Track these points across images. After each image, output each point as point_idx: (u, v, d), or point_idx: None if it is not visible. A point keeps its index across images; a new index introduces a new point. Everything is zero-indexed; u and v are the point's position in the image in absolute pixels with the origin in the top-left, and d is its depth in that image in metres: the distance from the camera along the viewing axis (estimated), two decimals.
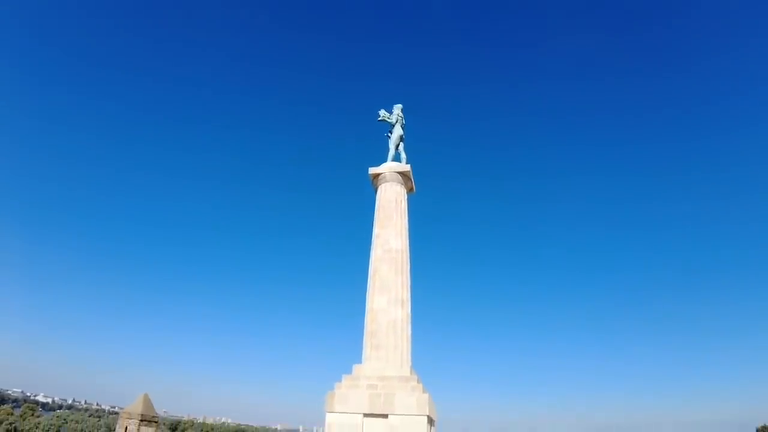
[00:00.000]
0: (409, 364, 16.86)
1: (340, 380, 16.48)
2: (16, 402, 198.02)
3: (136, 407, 26.74)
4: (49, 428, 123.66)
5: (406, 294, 17.82)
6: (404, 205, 19.73)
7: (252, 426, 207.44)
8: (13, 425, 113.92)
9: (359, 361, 17.24)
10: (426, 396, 15.28)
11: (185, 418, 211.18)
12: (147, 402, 27.14)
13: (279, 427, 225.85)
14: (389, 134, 21.32)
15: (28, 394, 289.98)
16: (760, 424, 48.63)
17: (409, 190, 20.61)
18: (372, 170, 20.31)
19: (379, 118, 21.43)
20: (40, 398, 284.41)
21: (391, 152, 20.86)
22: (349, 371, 16.81)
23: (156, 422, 27.52)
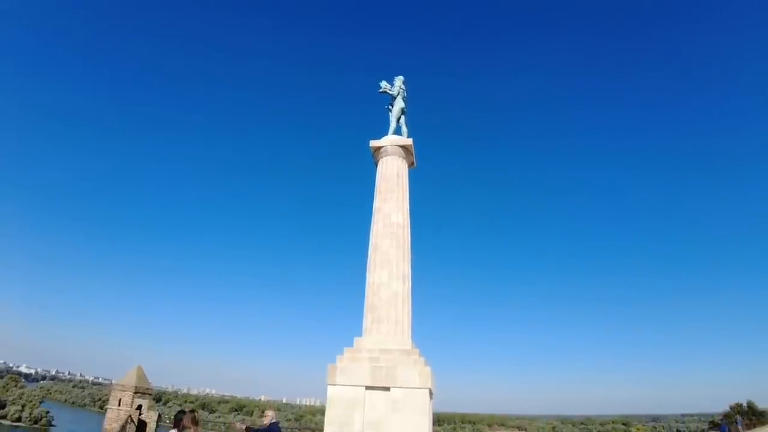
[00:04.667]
0: (410, 337, 17.09)
1: (341, 353, 16.64)
2: None
3: (130, 379, 26.71)
4: (33, 399, 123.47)
5: (407, 269, 17.91)
6: (405, 179, 19.60)
7: (236, 397, 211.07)
8: None
9: (359, 335, 17.39)
10: (428, 369, 15.55)
11: (169, 389, 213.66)
12: (141, 374, 27.12)
13: (262, 398, 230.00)
14: (390, 107, 20.97)
15: (11, 365, 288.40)
16: (732, 402, 51.03)
17: (411, 165, 20.46)
18: (373, 143, 20.06)
19: (380, 90, 21.02)
20: (23, 369, 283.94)
21: (392, 125, 20.57)
22: (350, 344, 16.98)
23: (150, 394, 27.61)
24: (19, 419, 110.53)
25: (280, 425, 11.67)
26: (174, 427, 9.11)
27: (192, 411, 8.36)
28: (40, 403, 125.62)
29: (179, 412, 10.24)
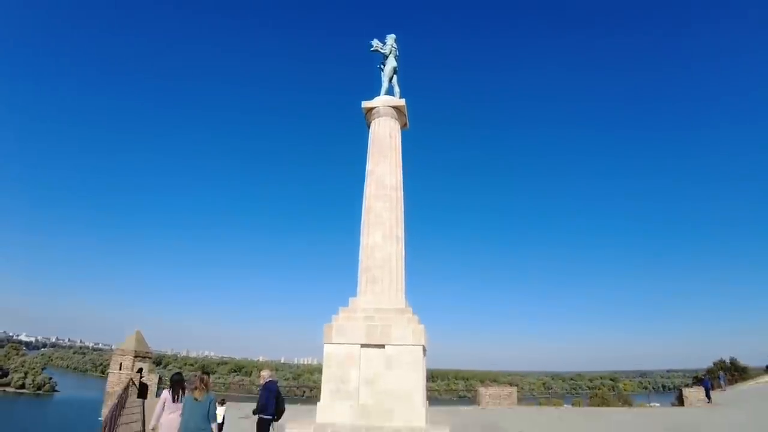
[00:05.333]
0: (404, 297, 17.38)
1: (336, 313, 16.92)
2: None
3: (129, 344, 27.17)
4: (36, 366, 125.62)
5: (400, 230, 18.00)
6: (398, 140, 19.41)
7: (234, 358, 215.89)
8: None
9: (353, 295, 17.63)
10: (421, 327, 15.90)
11: (169, 353, 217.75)
12: (140, 338, 27.58)
13: (261, 359, 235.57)
14: (382, 66, 20.49)
15: (11, 334, 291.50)
16: (717, 359, 52.65)
17: (403, 126, 20.22)
18: (365, 104, 19.73)
19: (372, 49, 20.47)
20: (23, 338, 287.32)
21: (384, 85, 20.16)
22: (345, 304, 17.24)
23: (150, 357, 28.16)
24: (22, 386, 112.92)
25: (277, 384, 11.96)
26: (170, 388, 9.29)
27: (205, 373, 8.57)
28: (43, 369, 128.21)
29: (176, 374, 10.47)
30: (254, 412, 11.08)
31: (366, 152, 19.23)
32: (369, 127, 19.85)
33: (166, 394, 9.08)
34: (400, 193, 18.60)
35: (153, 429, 9.05)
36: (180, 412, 8.75)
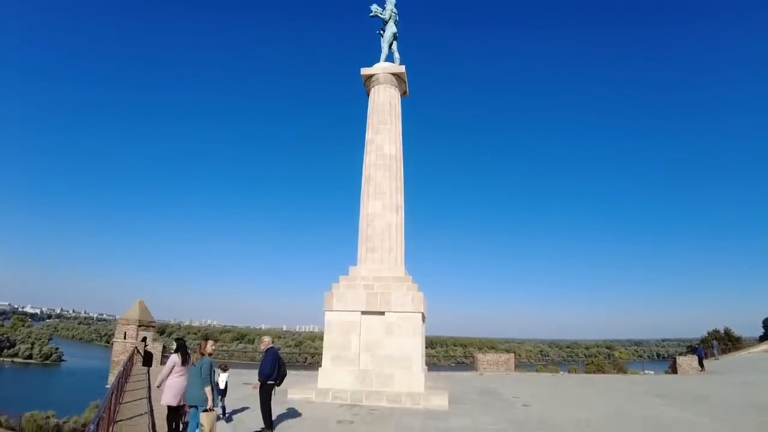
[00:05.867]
0: (403, 265, 17.54)
1: (337, 281, 17.10)
2: (4, 314, 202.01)
3: (133, 314, 27.51)
4: (42, 337, 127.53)
5: (400, 199, 18.00)
6: (398, 109, 19.19)
7: (237, 327, 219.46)
8: (5, 336, 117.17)
9: (354, 264, 17.79)
10: (420, 295, 16.10)
11: (172, 322, 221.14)
12: (143, 308, 27.91)
13: (263, 327, 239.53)
14: (381, 32, 20.04)
15: (16, 306, 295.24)
16: (711, 329, 53.33)
17: (403, 94, 19.95)
18: (364, 71, 19.39)
19: (371, 14, 19.98)
20: (28, 310, 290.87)
21: (384, 52, 19.77)
22: (345, 273, 17.41)
23: (153, 326, 28.55)
24: (30, 356, 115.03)
25: (279, 350, 12.17)
26: (176, 352, 9.45)
27: (206, 339, 8.70)
28: (49, 340, 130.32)
29: (179, 339, 10.64)
30: (259, 378, 11.30)
31: (366, 120, 19.05)
32: (368, 95, 19.58)
33: (175, 358, 9.27)
34: (400, 163, 18.51)
35: (158, 386, 9.28)
36: (185, 375, 8.96)
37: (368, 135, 18.63)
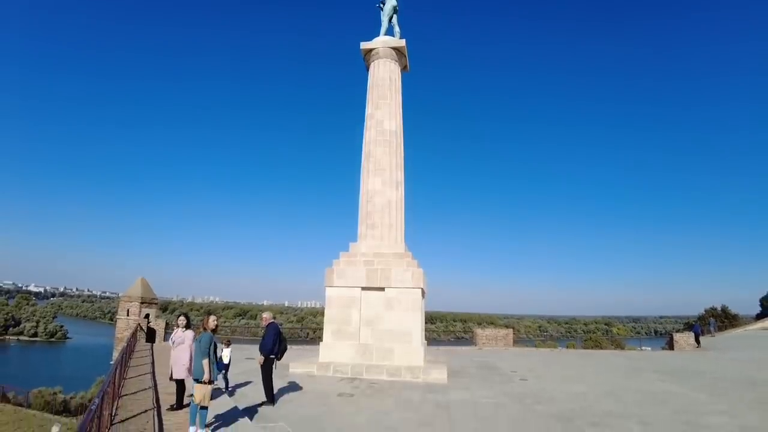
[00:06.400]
0: (403, 242, 17.58)
1: (337, 257, 17.17)
2: (8, 293, 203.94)
3: (135, 290, 27.72)
4: (47, 315, 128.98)
5: (400, 176, 17.93)
6: (398, 83, 18.93)
7: (239, 303, 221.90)
8: (11, 314, 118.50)
9: (354, 240, 17.83)
10: (420, 270, 16.18)
11: (175, 299, 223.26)
12: (145, 285, 28.11)
13: (265, 303, 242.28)
14: (381, 5, 19.61)
15: (20, 285, 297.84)
16: (708, 306, 53.70)
17: (404, 68, 19.66)
18: (364, 45, 19.07)
19: None
20: (32, 288, 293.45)
21: (384, 25, 19.39)
22: (346, 249, 17.47)
23: (156, 303, 28.80)
24: (35, 334, 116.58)
25: (279, 325, 12.28)
26: (188, 327, 9.56)
27: (209, 314, 8.81)
28: (54, 318, 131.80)
29: (182, 314, 10.74)
30: (260, 352, 11.43)
31: (365, 96, 18.83)
32: (368, 70, 19.31)
33: (191, 333, 9.40)
34: (400, 138, 18.36)
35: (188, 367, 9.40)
36: (185, 346, 9.08)
37: (368, 110, 18.44)
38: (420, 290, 16.01)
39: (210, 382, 7.85)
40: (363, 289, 16.17)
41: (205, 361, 7.80)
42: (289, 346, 12.01)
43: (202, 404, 7.66)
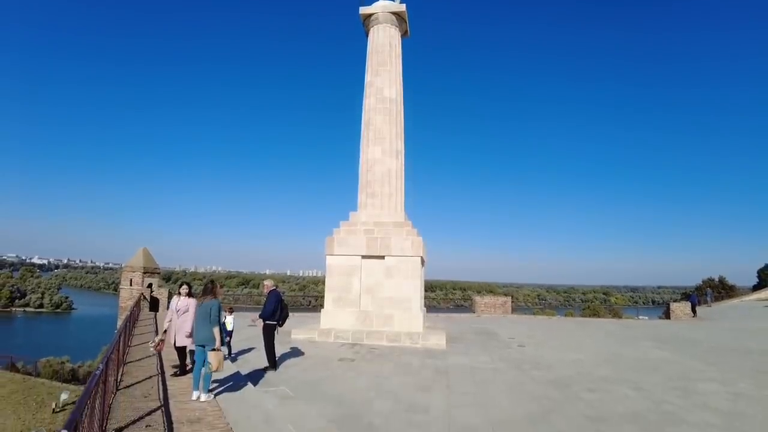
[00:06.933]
0: (403, 211, 17.57)
1: (338, 226, 17.20)
2: (13, 266, 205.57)
3: (138, 261, 27.92)
4: (51, 286, 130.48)
5: (400, 144, 17.76)
6: (399, 50, 18.51)
7: (241, 272, 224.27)
8: (16, 286, 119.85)
9: (354, 210, 17.82)
10: (419, 239, 16.23)
11: (177, 269, 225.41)
12: (147, 255, 28.30)
13: (267, 272, 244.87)
14: None
15: (24, 257, 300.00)
16: (706, 277, 54.03)
17: (404, 34, 19.19)
18: (363, 10, 18.54)
19: None
20: (36, 261, 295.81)
21: None
22: (346, 218, 17.48)
23: (158, 273, 29.04)
24: (41, 306, 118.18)
25: (281, 293, 12.39)
26: (178, 294, 9.63)
27: (212, 282, 8.82)
28: (58, 290, 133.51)
29: (184, 282, 10.81)
30: (260, 317, 11.59)
31: (365, 63, 18.45)
32: (367, 36, 18.85)
33: (195, 301, 9.46)
34: (401, 106, 18.09)
35: (165, 330, 9.54)
36: (189, 314, 9.17)
37: (367, 77, 18.10)
38: (419, 258, 16.09)
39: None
40: (363, 257, 16.26)
41: (216, 329, 7.94)
42: (290, 314, 12.17)
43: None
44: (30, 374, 30.66)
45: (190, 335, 9.01)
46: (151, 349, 10.38)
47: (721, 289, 49.75)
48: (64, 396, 22.61)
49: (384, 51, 18.00)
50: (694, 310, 29.63)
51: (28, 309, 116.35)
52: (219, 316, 8.19)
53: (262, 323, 10.87)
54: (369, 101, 17.78)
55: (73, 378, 33.04)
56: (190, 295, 9.65)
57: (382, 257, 16.10)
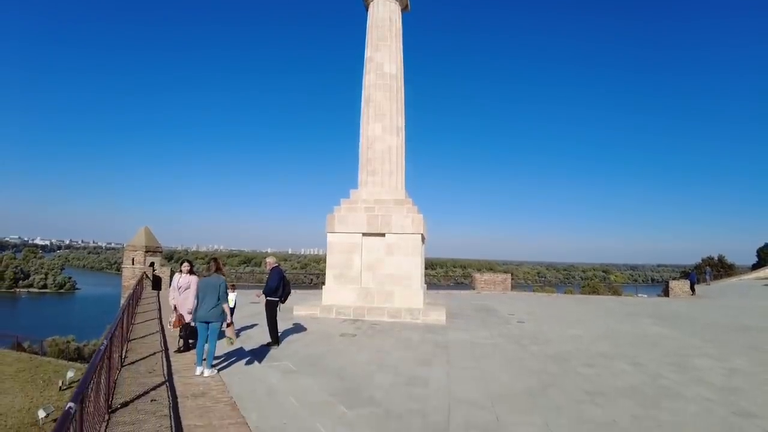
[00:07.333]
0: (404, 188, 17.53)
1: (338, 204, 17.19)
2: (15, 247, 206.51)
3: (139, 239, 27.99)
4: (54, 267, 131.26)
5: (401, 121, 17.59)
6: (399, 24, 18.15)
7: (243, 251, 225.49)
8: (19, 267, 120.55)
9: (355, 187, 17.77)
10: (420, 216, 16.23)
11: (179, 248, 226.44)
12: (149, 234, 28.36)
13: (269, 251, 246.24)
14: None
15: (26, 239, 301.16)
16: (705, 256, 54.15)
17: (404, 8, 18.79)
18: None
19: None
20: (38, 242, 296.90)
21: None
22: (346, 196, 17.45)
23: (160, 252, 29.16)
24: (44, 286, 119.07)
25: (284, 270, 12.44)
26: (191, 273, 9.69)
27: (215, 259, 8.87)
28: (61, 270, 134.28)
29: (185, 260, 10.86)
30: (263, 293, 11.67)
31: (365, 38, 18.13)
32: (367, 10, 18.49)
33: (196, 278, 9.52)
34: (401, 82, 17.86)
35: (174, 307, 9.62)
36: (191, 291, 9.23)
37: (367, 53, 17.82)
38: (420, 236, 16.12)
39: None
40: (364, 235, 16.30)
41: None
42: (292, 291, 12.25)
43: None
44: (36, 353, 31.08)
45: (191, 312, 9.11)
46: (170, 328, 10.60)
47: (720, 268, 49.97)
48: (70, 374, 22.98)
49: (384, 25, 17.68)
50: (692, 289, 29.82)
51: (31, 290, 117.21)
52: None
53: (264, 299, 10.98)
54: (369, 77, 17.54)
55: (78, 357, 33.51)
56: (191, 272, 9.70)
57: (383, 235, 16.14)
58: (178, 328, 9.76)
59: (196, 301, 8.70)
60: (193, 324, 9.31)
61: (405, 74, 18.15)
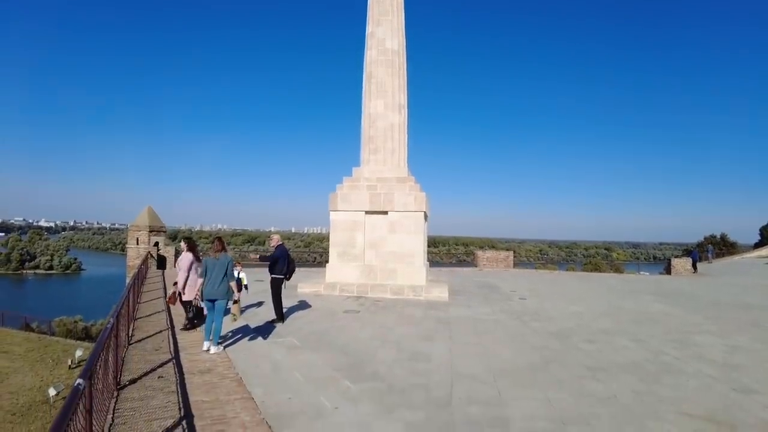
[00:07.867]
0: (406, 166, 17.43)
1: (341, 183, 17.14)
2: (21, 230, 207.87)
3: (143, 219, 28.08)
4: (60, 248, 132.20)
5: (403, 98, 17.38)
6: None
7: (247, 230, 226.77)
8: (25, 249, 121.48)
9: (357, 165, 17.69)
10: (422, 194, 16.19)
11: (183, 227, 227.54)
12: (152, 213, 28.43)
13: (272, 230, 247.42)
14: None
15: (30, 221, 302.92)
16: (707, 234, 54.03)
17: None
18: None
19: None
20: (43, 224, 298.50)
21: None
22: (349, 174, 17.39)
23: (164, 231, 29.27)
24: (50, 268, 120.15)
25: (288, 249, 12.49)
26: (189, 250, 9.73)
27: (219, 239, 8.90)
28: (67, 251, 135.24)
29: (184, 237, 10.91)
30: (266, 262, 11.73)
31: (366, 13, 17.76)
32: None
33: (190, 256, 9.54)
34: (403, 58, 17.56)
35: (175, 283, 9.67)
36: (200, 271, 9.28)
37: (368, 28, 17.48)
38: (422, 213, 16.12)
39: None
40: (366, 213, 16.31)
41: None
42: (296, 269, 12.33)
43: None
44: (44, 333, 31.61)
45: (183, 289, 9.44)
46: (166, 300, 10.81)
47: (722, 246, 50.02)
48: (79, 353, 23.40)
49: (386, 0, 17.30)
50: (695, 266, 29.85)
51: (38, 271, 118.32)
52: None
53: (264, 265, 11.08)
54: (371, 53, 17.26)
55: (86, 336, 34.05)
56: (190, 249, 9.76)
57: (386, 213, 16.14)
58: (185, 307, 9.85)
59: (197, 278, 8.87)
60: (194, 301, 9.44)
61: (407, 51, 17.84)
